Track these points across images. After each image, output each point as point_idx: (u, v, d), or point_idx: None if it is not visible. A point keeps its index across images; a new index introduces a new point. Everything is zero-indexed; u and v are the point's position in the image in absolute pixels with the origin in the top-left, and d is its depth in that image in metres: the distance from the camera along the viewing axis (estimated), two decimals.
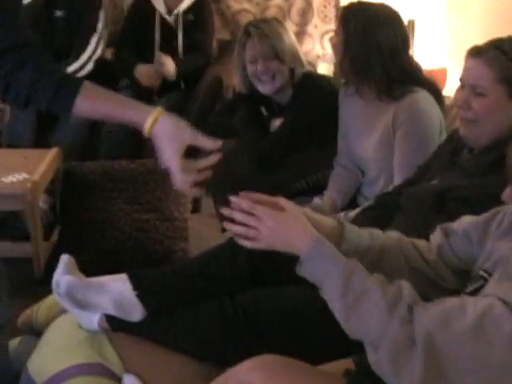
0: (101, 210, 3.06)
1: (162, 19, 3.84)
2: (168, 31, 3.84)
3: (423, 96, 2.36)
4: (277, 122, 2.86)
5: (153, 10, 3.85)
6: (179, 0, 3.82)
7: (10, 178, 2.79)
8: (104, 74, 3.55)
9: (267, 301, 1.82)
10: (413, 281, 1.40)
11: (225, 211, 1.45)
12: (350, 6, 2.46)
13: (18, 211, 2.98)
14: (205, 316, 1.84)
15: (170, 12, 3.85)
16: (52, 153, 3.09)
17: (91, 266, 2.11)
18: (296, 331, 1.76)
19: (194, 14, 3.83)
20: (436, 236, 1.56)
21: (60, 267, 1.93)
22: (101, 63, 3.75)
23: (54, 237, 3.09)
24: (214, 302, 1.85)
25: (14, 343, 2.18)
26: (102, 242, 2.98)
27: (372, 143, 2.46)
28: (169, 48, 3.81)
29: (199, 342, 1.82)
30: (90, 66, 3.67)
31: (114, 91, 1.75)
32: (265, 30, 2.78)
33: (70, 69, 3.55)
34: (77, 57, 3.63)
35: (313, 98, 2.75)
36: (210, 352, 1.80)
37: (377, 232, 1.56)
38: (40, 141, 3.49)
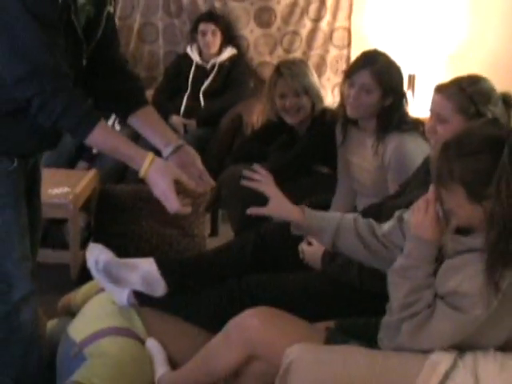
0: (131, 225, 3.48)
1: (197, 67, 4.35)
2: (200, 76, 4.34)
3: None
4: None
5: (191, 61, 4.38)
6: (215, 54, 4.34)
7: (55, 191, 3.22)
8: None
9: (267, 283, 2.23)
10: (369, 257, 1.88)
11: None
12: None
13: (59, 223, 3.40)
14: (216, 295, 2.24)
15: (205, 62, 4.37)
16: (90, 174, 3.54)
17: None
18: (290, 305, 2.06)
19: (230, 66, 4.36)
20: (392, 220, 1.94)
21: (97, 249, 2.32)
22: None
23: None
24: (224, 283, 2.26)
25: (51, 323, 2.51)
26: (132, 252, 3.32)
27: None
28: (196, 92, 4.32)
29: (210, 315, 2.22)
30: None
31: None
32: (295, 70, 3.25)
33: None
34: None
35: (327, 130, 3.11)
36: (218, 324, 2.07)
37: (333, 215, 2.02)
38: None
